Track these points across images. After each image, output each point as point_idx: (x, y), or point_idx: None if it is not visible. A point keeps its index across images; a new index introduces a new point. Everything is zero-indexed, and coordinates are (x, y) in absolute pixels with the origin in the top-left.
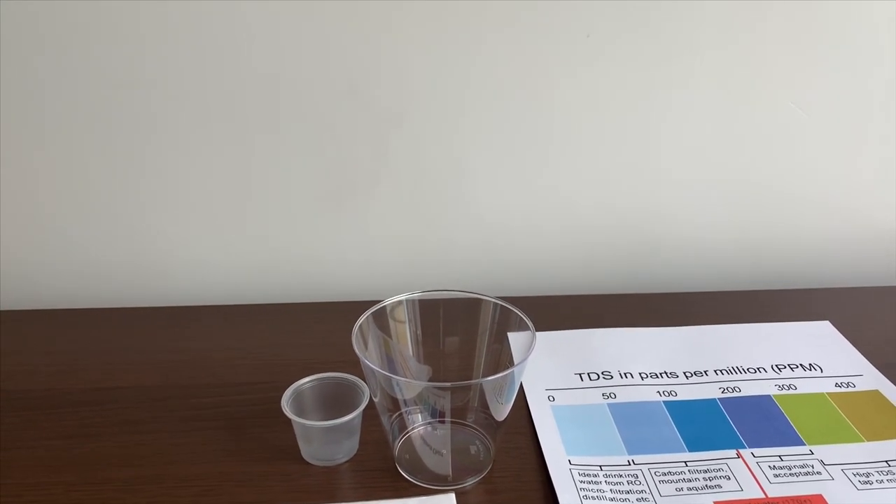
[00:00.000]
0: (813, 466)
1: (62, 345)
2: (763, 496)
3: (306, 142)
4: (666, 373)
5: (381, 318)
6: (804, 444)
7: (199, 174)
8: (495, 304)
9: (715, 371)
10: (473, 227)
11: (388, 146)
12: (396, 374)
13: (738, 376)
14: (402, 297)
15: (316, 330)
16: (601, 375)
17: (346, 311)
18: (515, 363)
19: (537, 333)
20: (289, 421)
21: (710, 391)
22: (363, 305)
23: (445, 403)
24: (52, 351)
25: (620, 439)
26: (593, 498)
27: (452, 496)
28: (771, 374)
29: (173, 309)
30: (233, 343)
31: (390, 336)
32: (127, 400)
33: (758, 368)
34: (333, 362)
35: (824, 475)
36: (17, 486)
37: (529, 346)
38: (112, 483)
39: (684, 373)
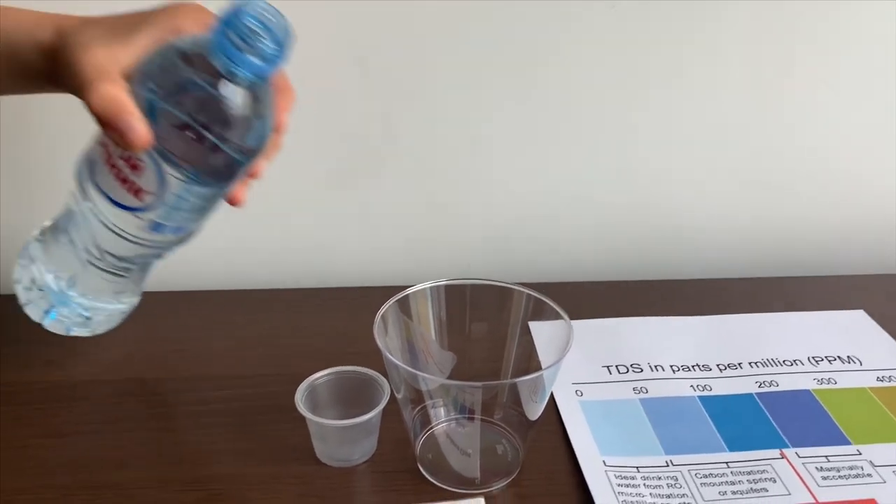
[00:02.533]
0: (863, 468)
1: (50, 334)
2: (813, 501)
3: (311, 119)
4: (698, 365)
5: (405, 307)
6: (850, 444)
7: None
8: (528, 295)
9: (749, 363)
10: (486, 211)
11: (397, 124)
12: (420, 364)
13: (775, 369)
14: (427, 284)
15: (325, 318)
16: (630, 368)
17: (355, 298)
18: (545, 359)
19: (553, 322)
20: (301, 417)
21: (746, 385)
22: (371, 292)
23: (476, 400)
24: (41, 340)
25: (656, 438)
26: (632, 503)
27: (482, 501)
28: (808, 366)
29: (170, 294)
30: (236, 332)
31: (413, 324)
32: (123, 394)
33: (794, 361)
34: (345, 353)
35: (875, 477)
36: (9, 491)
37: (567, 340)
38: (111, 487)
39: (717, 365)
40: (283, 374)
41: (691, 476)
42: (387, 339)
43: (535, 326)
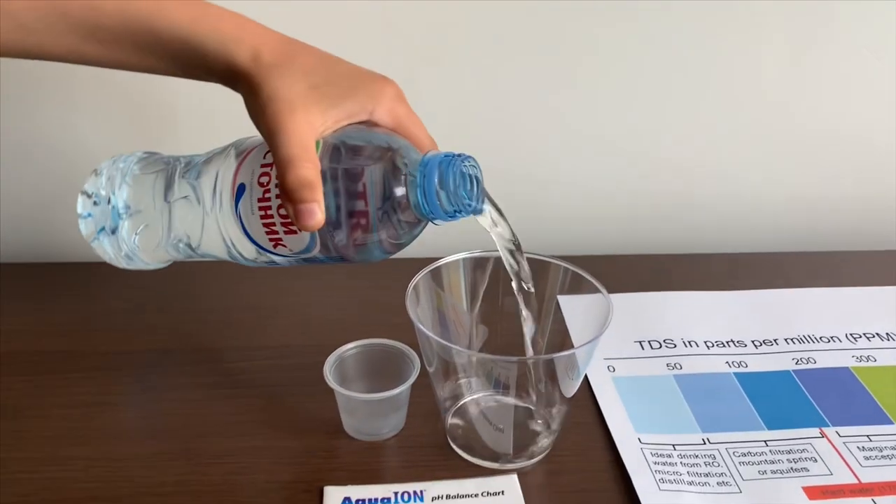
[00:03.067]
0: None
1: (72, 304)
2: (856, 481)
3: None
4: (733, 341)
5: (437, 278)
6: (893, 423)
7: (205, 114)
8: (565, 269)
9: (785, 340)
10: (512, 179)
11: (421, 87)
12: (451, 337)
13: (812, 346)
14: (460, 255)
15: (349, 287)
16: (663, 344)
17: (383, 269)
18: (577, 335)
19: (587, 297)
20: (327, 390)
21: (782, 362)
22: (399, 263)
23: (510, 375)
24: (61, 310)
25: (692, 415)
26: (670, 481)
27: (515, 478)
28: (846, 343)
29: (190, 265)
30: (258, 302)
31: (445, 295)
32: (147, 365)
33: (831, 337)
34: (372, 324)
35: None
36: (31, 461)
37: (607, 315)
38: (135, 459)
39: (752, 342)
40: (304, 346)
41: (729, 454)
42: (419, 311)
43: (564, 301)
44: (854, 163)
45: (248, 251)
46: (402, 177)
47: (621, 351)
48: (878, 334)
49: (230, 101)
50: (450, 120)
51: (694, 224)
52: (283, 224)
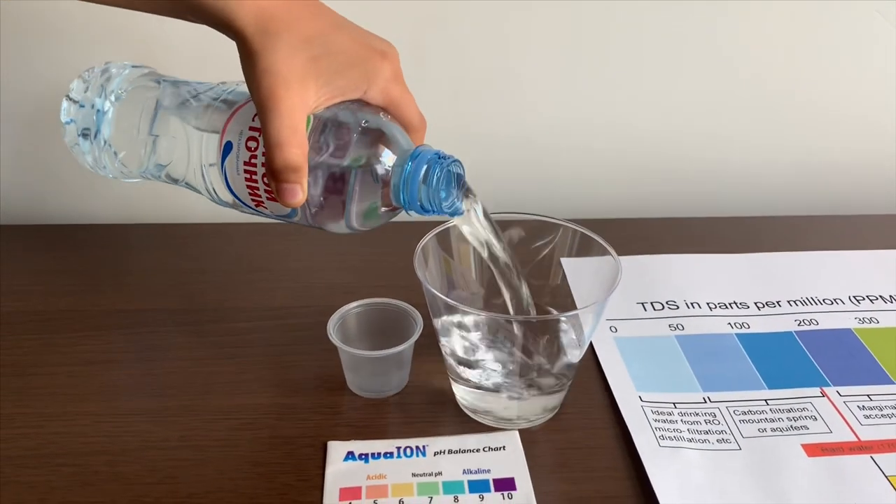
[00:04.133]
0: None
1: (76, 264)
2: (855, 439)
3: None
4: (735, 303)
5: (444, 241)
6: (893, 383)
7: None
8: (574, 231)
9: (788, 302)
10: (518, 144)
11: (425, 52)
12: (459, 298)
13: (814, 307)
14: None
15: (352, 250)
16: (666, 305)
17: (387, 232)
18: (582, 296)
19: (592, 259)
20: (331, 349)
21: (785, 323)
22: (403, 227)
23: (516, 335)
24: (67, 270)
25: (693, 374)
26: (670, 438)
27: (516, 434)
28: (849, 305)
29: (196, 226)
30: (264, 264)
31: (451, 258)
32: (152, 324)
33: (834, 300)
34: (374, 286)
35: None
36: (39, 416)
37: (615, 277)
38: (142, 414)
39: (755, 303)
40: (307, 307)
41: (729, 413)
42: (426, 273)
43: (568, 263)
44: (858, 126)
45: (229, 201)
46: (388, 163)
47: (624, 312)
48: (881, 296)
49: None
50: (458, 82)
51: (697, 188)
52: (266, 191)
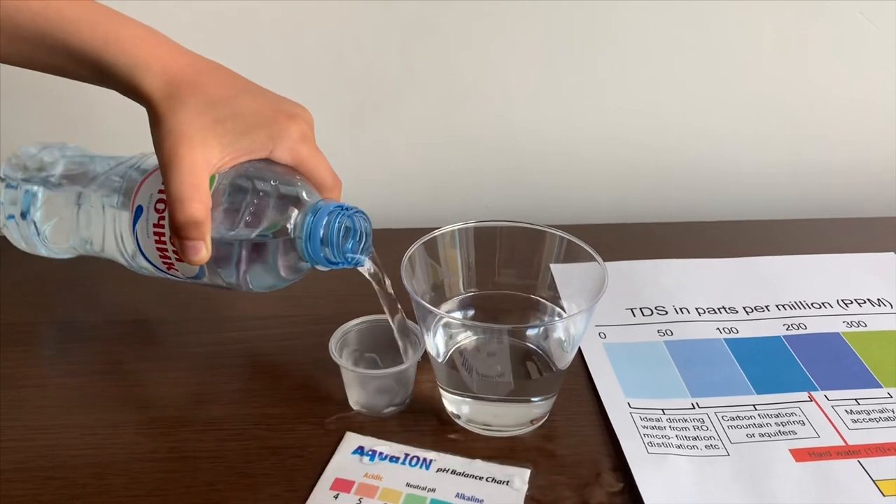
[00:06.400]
0: (893, 411)
1: (66, 274)
2: (843, 443)
3: (325, 52)
4: (724, 308)
5: (431, 249)
6: (881, 387)
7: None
8: (561, 238)
9: (777, 306)
10: (506, 148)
11: (415, 58)
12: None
13: (803, 312)
14: (455, 226)
15: None
16: (655, 311)
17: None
18: (570, 303)
19: (579, 265)
20: (320, 358)
21: (773, 328)
22: (391, 234)
23: (502, 349)
24: (54, 282)
25: (682, 380)
26: (658, 444)
27: (527, 473)
28: (838, 309)
29: None
30: None
31: (439, 267)
32: (142, 335)
33: (822, 303)
34: (364, 294)
35: None
36: (27, 429)
37: (602, 284)
38: (130, 426)
39: (744, 308)
40: (295, 316)
41: (718, 418)
42: (413, 282)
43: (557, 269)
44: (845, 130)
45: (145, 267)
46: (291, 220)
47: (613, 318)
48: (868, 300)
49: None
50: (446, 88)
51: (686, 192)
52: (174, 251)
